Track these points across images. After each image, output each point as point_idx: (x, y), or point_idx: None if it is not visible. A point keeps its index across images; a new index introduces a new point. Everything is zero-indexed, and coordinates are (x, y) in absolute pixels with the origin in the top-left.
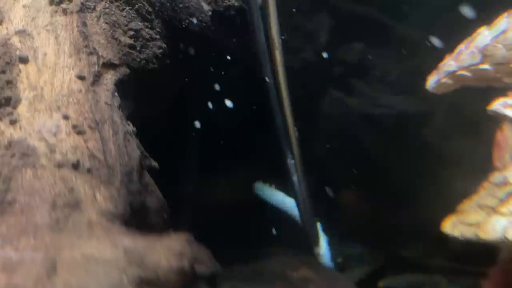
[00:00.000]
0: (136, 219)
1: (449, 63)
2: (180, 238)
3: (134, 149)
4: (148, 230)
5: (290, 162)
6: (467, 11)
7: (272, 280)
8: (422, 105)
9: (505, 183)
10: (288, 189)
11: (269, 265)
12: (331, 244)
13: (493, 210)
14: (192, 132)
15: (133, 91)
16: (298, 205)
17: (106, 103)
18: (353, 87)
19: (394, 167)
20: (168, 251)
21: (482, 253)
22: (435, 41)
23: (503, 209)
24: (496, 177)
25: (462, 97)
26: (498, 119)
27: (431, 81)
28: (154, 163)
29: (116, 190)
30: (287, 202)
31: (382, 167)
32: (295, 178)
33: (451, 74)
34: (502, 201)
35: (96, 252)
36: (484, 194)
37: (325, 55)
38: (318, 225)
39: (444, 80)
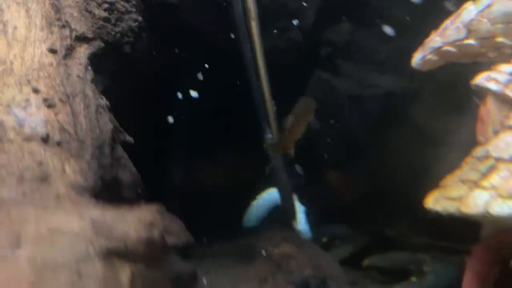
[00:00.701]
0: (108, 192)
1: (435, 39)
2: (150, 209)
3: (106, 122)
4: (119, 202)
5: (269, 139)
6: None
7: (252, 256)
8: (409, 84)
9: (487, 156)
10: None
11: (251, 242)
12: (309, 217)
13: (475, 184)
14: (172, 110)
15: (108, 65)
16: (276, 180)
17: (78, 76)
18: (340, 68)
19: (381, 147)
20: (137, 222)
21: (466, 230)
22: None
23: (485, 183)
24: (478, 151)
25: (450, 76)
26: (482, 94)
27: (417, 58)
28: (129, 138)
29: (86, 163)
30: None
31: (369, 147)
32: (272, 155)
33: (437, 50)
34: (484, 175)
35: (62, 225)
36: (467, 169)
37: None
38: (295, 199)
39: (429, 56)
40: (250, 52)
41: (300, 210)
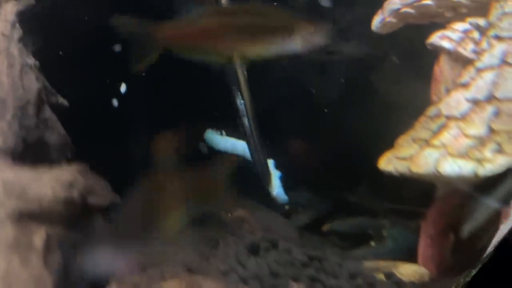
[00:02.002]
0: (32, 153)
1: (393, 1)
2: (71, 169)
3: (32, 82)
4: (42, 164)
5: (240, 104)
6: None
7: (204, 220)
8: (372, 51)
9: (438, 115)
10: (239, 132)
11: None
12: (283, 181)
13: (426, 142)
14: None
15: (40, 25)
16: (249, 146)
17: (3, 34)
18: None
19: (342, 113)
20: (55, 182)
21: (424, 194)
22: None
23: (435, 141)
24: (431, 110)
25: (413, 43)
26: (437, 53)
27: (376, 21)
28: (62, 100)
29: (6, 123)
30: (240, 146)
31: (331, 114)
32: (245, 120)
33: (396, 12)
34: (434, 133)
35: None
36: (419, 128)
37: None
38: (270, 164)
39: (388, 19)
40: None
41: (275, 174)
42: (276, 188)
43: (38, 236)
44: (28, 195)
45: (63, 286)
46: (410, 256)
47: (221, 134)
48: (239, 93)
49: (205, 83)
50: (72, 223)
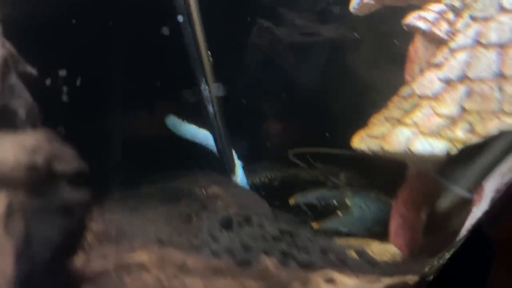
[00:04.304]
0: None
1: None
2: (36, 134)
3: None
4: (9, 130)
5: (204, 91)
6: None
7: (177, 197)
8: (350, 33)
9: (411, 94)
10: (202, 120)
11: (178, 184)
12: (245, 169)
13: (398, 121)
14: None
15: None
16: (213, 135)
17: None
18: (282, 16)
19: (319, 95)
20: (18, 147)
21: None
22: None
23: (407, 120)
24: (404, 90)
25: (391, 26)
26: (413, 34)
27: (355, 2)
28: (30, 69)
29: None
30: (200, 135)
31: (307, 95)
32: (210, 108)
33: None
34: (407, 112)
35: None
36: (392, 107)
37: None
38: (233, 153)
39: (366, 0)
40: None
41: (238, 164)
42: (239, 176)
43: (0, 202)
44: None
45: (25, 253)
46: (380, 225)
47: (183, 120)
48: (203, 77)
49: (167, 65)
50: (36, 189)
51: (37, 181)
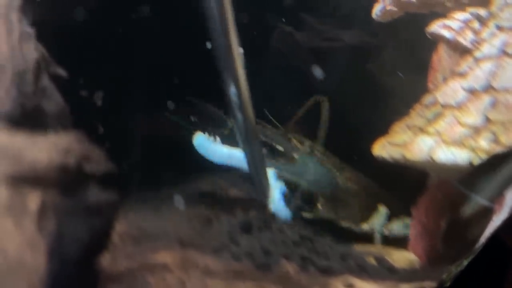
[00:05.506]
0: (29, 120)
1: None
2: (68, 136)
3: (31, 51)
4: (39, 130)
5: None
6: None
7: (198, 199)
8: (371, 39)
9: (434, 103)
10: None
11: (198, 186)
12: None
13: (420, 130)
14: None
15: None
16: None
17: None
18: (304, 21)
19: (339, 100)
20: (51, 147)
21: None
22: None
23: (430, 129)
24: (427, 98)
25: (413, 33)
26: (436, 42)
27: (377, 9)
28: (61, 71)
29: (4, 89)
30: (234, 157)
31: (329, 100)
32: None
33: (396, 1)
34: (429, 121)
35: None
36: (414, 116)
37: None
38: (270, 174)
39: (389, 7)
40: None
41: (275, 186)
42: (276, 203)
43: (32, 201)
44: (23, 159)
45: (56, 251)
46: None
47: (213, 138)
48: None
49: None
50: (67, 189)
51: (68, 181)
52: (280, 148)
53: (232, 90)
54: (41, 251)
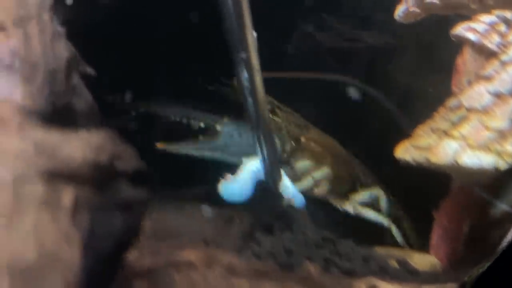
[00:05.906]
0: (60, 118)
1: None
2: (100, 133)
3: (62, 49)
4: (70, 128)
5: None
6: None
7: (221, 198)
8: (392, 40)
9: (459, 106)
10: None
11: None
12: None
13: (445, 133)
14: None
15: None
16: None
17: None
18: (325, 21)
19: (359, 102)
20: (85, 144)
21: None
22: None
23: (455, 132)
24: (451, 101)
25: (436, 36)
26: (461, 45)
27: (400, 10)
28: (90, 70)
29: (37, 87)
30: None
31: (348, 102)
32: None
33: (420, 2)
34: (454, 125)
35: (2, 146)
36: (439, 119)
37: None
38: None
39: (412, 9)
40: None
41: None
42: (288, 189)
43: (67, 196)
44: (58, 155)
45: (90, 245)
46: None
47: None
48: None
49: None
50: (100, 186)
51: (101, 178)
52: (201, 124)
53: (244, 74)
54: (76, 246)
